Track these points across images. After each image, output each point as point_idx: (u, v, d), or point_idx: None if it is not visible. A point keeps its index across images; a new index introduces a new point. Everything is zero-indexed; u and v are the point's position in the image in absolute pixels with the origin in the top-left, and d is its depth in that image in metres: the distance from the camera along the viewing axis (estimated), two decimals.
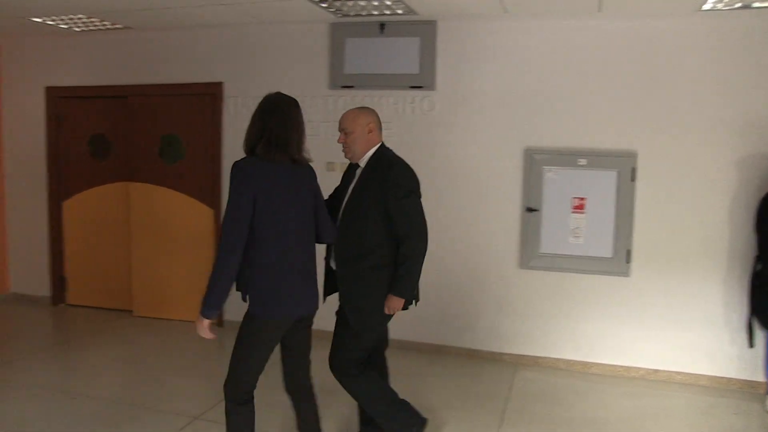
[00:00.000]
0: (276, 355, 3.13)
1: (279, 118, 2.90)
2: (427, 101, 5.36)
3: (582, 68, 5.00)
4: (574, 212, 5.05)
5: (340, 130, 3.30)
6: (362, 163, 3.30)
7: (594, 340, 5.12)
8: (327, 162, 5.62)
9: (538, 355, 5.27)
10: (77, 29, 5.98)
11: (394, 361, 5.17)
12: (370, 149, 3.29)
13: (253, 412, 3.04)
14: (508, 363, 5.28)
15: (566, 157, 5.04)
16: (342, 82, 5.50)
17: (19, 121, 6.74)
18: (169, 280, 6.22)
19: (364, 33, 5.38)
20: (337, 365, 3.35)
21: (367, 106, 3.57)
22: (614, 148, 4.96)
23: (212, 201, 6.00)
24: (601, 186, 4.97)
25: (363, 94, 5.47)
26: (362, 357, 3.35)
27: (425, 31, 5.25)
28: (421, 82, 5.31)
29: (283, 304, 2.92)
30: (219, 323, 6.04)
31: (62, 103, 6.54)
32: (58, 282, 6.79)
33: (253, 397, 3.04)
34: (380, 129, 3.36)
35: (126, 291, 6.47)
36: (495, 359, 5.34)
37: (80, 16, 5.42)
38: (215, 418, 4.06)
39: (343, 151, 3.34)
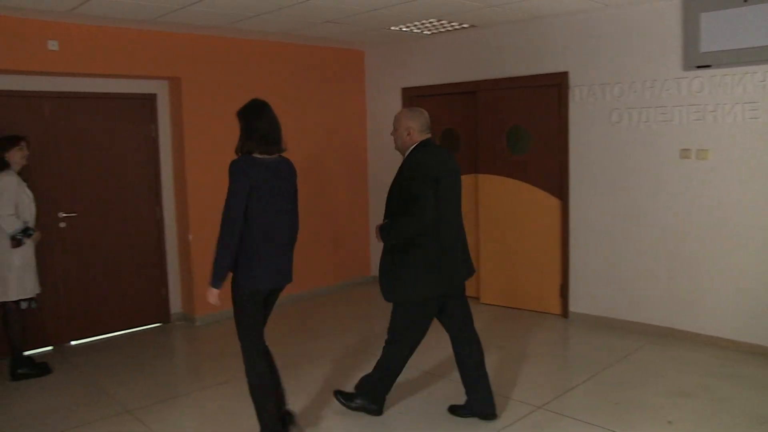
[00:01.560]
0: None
1: (265, 119, 3.69)
2: None
3: None
4: None
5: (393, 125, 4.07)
6: (405, 156, 4.00)
7: None
8: (681, 149, 5.51)
9: None
10: (428, 33, 6.75)
11: (741, 368, 4.93)
12: (409, 147, 3.97)
13: (265, 355, 3.79)
14: None
15: None
16: (697, 61, 5.32)
17: (380, 120, 7.82)
18: (516, 270, 6.71)
19: (724, 4, 5.13)
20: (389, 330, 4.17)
21: (418, 108, 4.11)
22: None
23: (560, 192, 6.29)
24: None
25: (722, 72, 5.23)
26: (406, 326, 4.07)
27: None
28: None
29: (263, 278, 3.65)
30: (564, 315, 6.31)
31: (416, 102, 7.41)
32: None
33: (263, 345, 3.78)
34: (423, 131, 3.98)
35: (474, 279, 7.10)
36: None
37: (431, 20, 6.10)
38: (558, 409, 4.37)
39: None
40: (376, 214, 7.99)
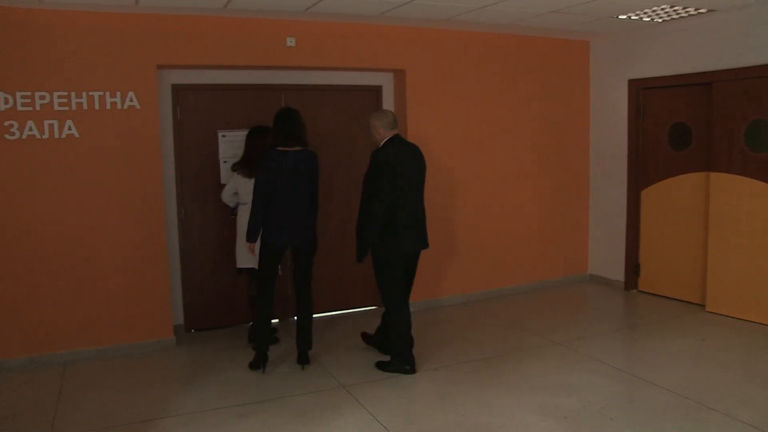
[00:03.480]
0: None
1: (288, 121, 4.91)
2: None
3: None
4: None
5: None
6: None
7: None
8: None
9: None
10: (659, 20, 6.27)
11: None
12: (380, 142, 4.93)
13: (270, 289, 5.04)
14: None
15: None
16: None
17: (604, 113, 7.46)
18: (750, 279, 6.03)
19: None
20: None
21: (385, 110, 5.30)
22: None
23: None
24: None
25: None
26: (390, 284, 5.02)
27: None
28: None
29: (273, 237, 4.91)
30: None
31: (643, 94, 6.97)
32: (632, 268, 7.27)
33: (269, 282, 5.02)
34: (388, 127, 4.93)
35: (699, 284, 6.54)
36: None
37: (663, 6, 5.66)
38: None
39: None
40: (597, 211, 7.66)
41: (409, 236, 4.91)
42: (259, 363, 5.08)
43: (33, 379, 5.05)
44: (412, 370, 5.01)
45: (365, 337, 5.65)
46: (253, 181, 5.38)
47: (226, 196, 5.66)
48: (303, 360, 5.18)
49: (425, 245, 5.12)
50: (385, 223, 4.80)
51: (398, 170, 4.80)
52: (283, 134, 4.90)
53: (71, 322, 5.42)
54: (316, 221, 5.10)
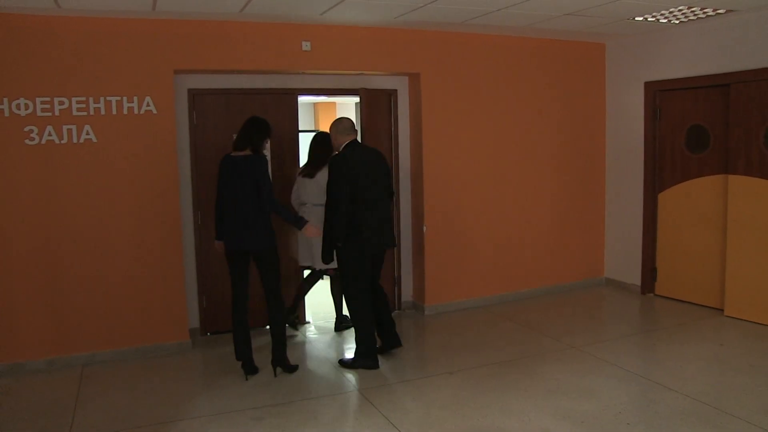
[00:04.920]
0: None
1: (243, 129, 4.96)
2: None
3: None
4: None
5: None
6: None
7: None
8: None
9: None
10: (676, 21, 6.22)
11: None
12: (339, 148, 5.17)
13: (238, 294, 5.07)
14: None
15: None
16: None
17: (620, 116, 7.42)
18: None
19: None
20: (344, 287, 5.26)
21: (340, 117, 5.28)
22: None
23: None
24: None
25: None
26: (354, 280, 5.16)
27: None
28: None
29: (226, 239, 4.97)
30: None
31: (660, 96, 6.91)
32: (649, 272, 7.21)
33: (234, 289, 5.07)
34: (344, 132, 5.15)
35: (718, 289, 6.47)
36: None
37: (681, 7, 5.61)
38: None
39: None
40: (614, 214, 7.61)
41: (371, 236, 5.09)
42: (244, 370, 5.09)
43: (52, 381, 5.10)
44: (377, 365, 5.16)
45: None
46: (312, 181, 5.81)
47: (292, 197, 6.00)
48: (274, 370, 5.12)
49: (391, 244, 5.34)
50: (349, 225, 4.97)
51: (358, 173, 4.99)
52: (235, 140, 5.01)
53: (89, 325, 5.46)
54: (268, 224, 4.93)
